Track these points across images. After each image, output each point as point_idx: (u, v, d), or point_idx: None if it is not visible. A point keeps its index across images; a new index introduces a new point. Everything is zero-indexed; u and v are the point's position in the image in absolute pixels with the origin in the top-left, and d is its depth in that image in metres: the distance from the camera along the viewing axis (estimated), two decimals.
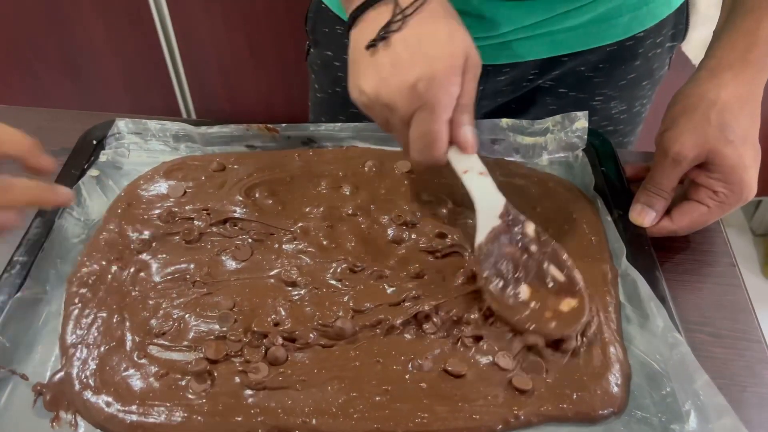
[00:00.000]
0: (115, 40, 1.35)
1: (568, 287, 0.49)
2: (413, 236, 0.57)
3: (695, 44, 0.78)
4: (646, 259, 0.53)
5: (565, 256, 0.51)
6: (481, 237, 0.51)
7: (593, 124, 0.65)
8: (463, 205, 0.59)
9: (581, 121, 0.63)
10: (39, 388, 0.46)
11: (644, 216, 0.56)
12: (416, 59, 0.46)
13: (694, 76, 0.55)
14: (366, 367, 0.48)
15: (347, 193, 0.61)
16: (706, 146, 0.52)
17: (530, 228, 0.51)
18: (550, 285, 0.49)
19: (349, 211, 0.59)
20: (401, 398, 0.46)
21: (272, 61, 1.35)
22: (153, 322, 0.50)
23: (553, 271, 0.50)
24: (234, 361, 0.48)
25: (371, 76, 0.48)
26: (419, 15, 0.47)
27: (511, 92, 0.75)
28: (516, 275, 0.50)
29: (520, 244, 0.51)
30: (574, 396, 0.46)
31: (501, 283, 0.49)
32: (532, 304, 0.49)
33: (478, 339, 0.49)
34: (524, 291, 0.49)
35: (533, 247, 0.51)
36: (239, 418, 0.45)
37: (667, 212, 0.56)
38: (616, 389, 0.46)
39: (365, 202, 0.60)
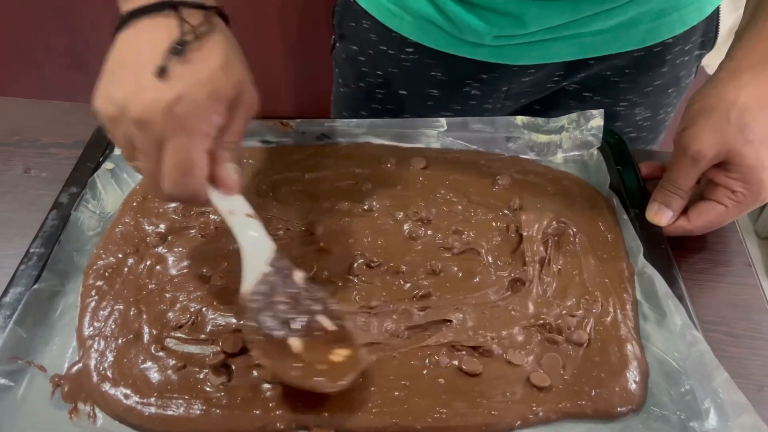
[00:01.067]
0: None
1: (339, 336, 0.46)
2: (429, 233, 0.57)
3: (711, 53, 0.77)
4: (662, 257, 0.53)
5: (335, 305, 0.48)
6: (247, 284, 0.46)
7: (617, 130, 0.65)
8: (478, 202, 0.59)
9: (597, 119, 0.63)
10: (57, 379, 0.46)
11: (661, 215, 0.56)
12: (182, 78, 0.42)
13: (714, 77, 0.55)
14: (383, 362, 0.48)
15: (363, 189, 0.60)
16: (726, 146, 0.52)
17: (299, 276, 0.47)
18: (318, 334, 0.45)
19: (365, 207, 0.59)
20: (419, 393, 0.46)
21: (296, 55, 1.34)
22: (170, 315, 0.50)
23: (323, 320, 0.46)
24: (251, 355, 0.48)
25: (128, 87, 0.42)
26: (204, 38, 0.44)
27: (534, 93, 0.75)
28: (285, 326, 0.45)
29: (288, 292, 0.46)
30: (593, 393, 0.46)
31: (270, 334, 0.44)
32: (304, 356, 0.44)
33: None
34: (295, 343, 0.44)
35: (303, 295, 0.46)
36: (257, 412, 0.45)
37: (684, 212, 0.56)
38: (634, 386, 0.46)
39: (381, 198, 0.60)
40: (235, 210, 0.47)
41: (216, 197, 0.46)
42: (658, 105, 0.75)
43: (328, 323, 0.46)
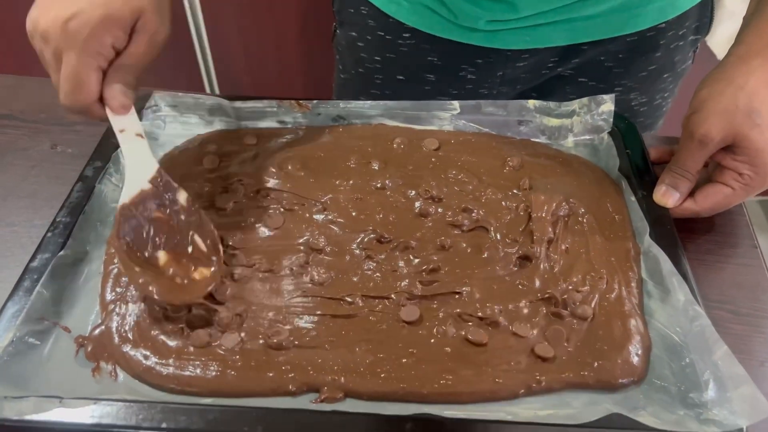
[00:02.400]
0: None
1: (207, 256, 0.51)
2: (439, 210, 0.58)
3: (720, 39, 0.78)
4: (668, 237, 0.54)
5: (212, 227, 0.52)
6: (125, 198, 0.51)
7: None
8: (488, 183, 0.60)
9: (608, 104, 0.64)
10: (81, 340, 0.49)
11: (668, 197, 0.57)
12: (82, 0, 0.46)
13: (723, 62, 0.56)
14: (392, 331, 0.49)
15: (376, 168, 0.62)
16: (733, 130, 0.53)
17: (182, 196, 0.52)
18: (189, 251, 0.50)
19: (378, 185, 0.60)
20: (426, 361, 0.47)
21: (297, 43, 1.37)
22: None
23: (198, 240, 0.51)
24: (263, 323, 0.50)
25: (40, 4, 0.49)
26: None
27: (530, 80, 0.76)
28: (156, 240, 0.50)
29: (168, 211, 0.51)
30: (595, 364, 0.47)
31: (136, 246, 0.50)
32: (169, 270, 0.49)
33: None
34: (162, 256, 0.50)
35: (182, 215, 0.51)
36: (270, 374, 0.47)
37: (691, 194, 0.57)
38: (636, 359, 0.47)
39: (393, 177, 0.61)
40: (125, 128, 0.52)
41: (110, 114, 0.51)
42: (654, 90, 0.76)
43: (200, 243, 0.51)
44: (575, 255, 0.54)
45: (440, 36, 0.71)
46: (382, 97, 0.79)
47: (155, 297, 0.49)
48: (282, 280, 0.53)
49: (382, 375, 0.47)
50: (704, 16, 0.73)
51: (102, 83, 0.49)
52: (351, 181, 0.61)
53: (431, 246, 0.55)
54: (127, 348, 0.48)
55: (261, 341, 0.49)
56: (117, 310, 0.50)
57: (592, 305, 0.51)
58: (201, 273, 0.50)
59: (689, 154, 0.56)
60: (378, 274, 0.53)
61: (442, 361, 0.47)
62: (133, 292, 0.51)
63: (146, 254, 0.50)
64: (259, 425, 0.43)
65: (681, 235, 0.55)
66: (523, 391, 0.46)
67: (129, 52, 0.49)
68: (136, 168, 0.52)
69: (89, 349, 0.48)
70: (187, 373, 0.47)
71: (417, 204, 0.59)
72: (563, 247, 0.55)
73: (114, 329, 0.49)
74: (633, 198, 0.59)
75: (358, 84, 0.81)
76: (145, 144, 0.52)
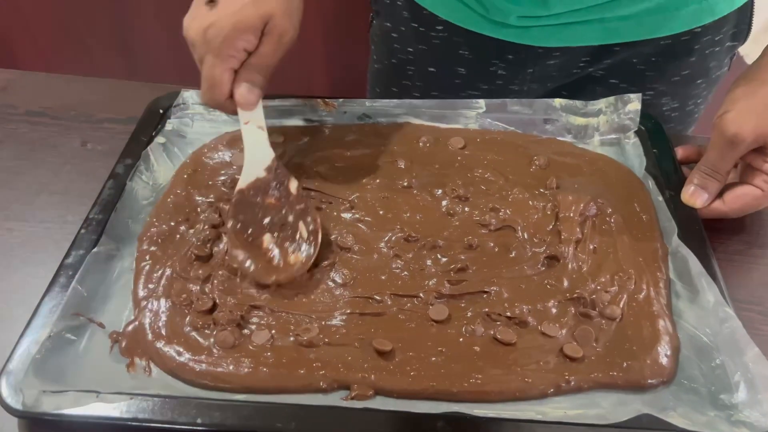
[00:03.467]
0: (165, 14, 1.38)
1: (306, 243, 0.54)
2: (466, 209, 0.59)
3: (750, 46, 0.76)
4: (696, 238, 0.54)
5: (316, 216, 0.56)
6: (242, 184, 0.56)
7: None
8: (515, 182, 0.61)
9: (634, 103, 0.64)
10: (115, 336, 0.50)
11: (697, 197, 0.56)
12: (220, 10, 0.53)
13: (757, 62, 0.56)
14: (421, 330, 0.50)
15: (402, 166, 0.62)
16: (765, 131, 0.53)
17: (293, 185, 0.56)
18: (296, 238, 0.54)
19: (404, 184, 0.61)
20: (456, 360, 0.48)
21: (334, 33, 1.36)
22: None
23: (301, 226, 0.55)
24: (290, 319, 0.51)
25: (191, 15, 0.55)
26: None
27: (561, 78, 0.76)
28: (264, 224, 0.54)
29: (280, 198, 0.56)
30: (624, 365, 0.47)
31: (247, 229, 0.54)
32: (270, 252, 0.53)
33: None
34: (266, 239, 0.54)
35: (291, 203, 0.56)
36: (302, 371, 0.47)
37: (720, 195, 0.57)
38: (665, 360, 0.47)
39: (420, 175, 0.61)
40: (249, 120, 0.57)
41: (238, 108, 0.56)
42: (686, 96, 0.75)
43: (303, 230, 0.55)
44: (603, 255, 0.54)
45: (472, 30, 0.71)
46: (413, 89, 0.79)
47: (248, 274, 0.52)
48: (311, 278, 0.53)
49: (412, 373, 0.47)
50: (742, 22, 0.71)
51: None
52: (378, 180, 0.61)
53: (459, 245, 0.56)
54: (160, 344, 0.49)
55: (291, 338, 0.49)
56: (149, 306, 0.51)
57: (621, 305, 0.51)
58: (296, 258, 0.53)
59: (719, 154, 0.55)
60: (406, 272, 0.54)
61: (471, 360, 0.48)
62: (165, 288, 0.52)
63: (253, 236, 0.54)
64: (292, 422, 0.43)
65: (708, 235, 0.55)
66: (552, 390, 0.46)
67: (258, 52, 0.54)
68: (255, 157, 0.57)
69: (123, 344, 0.49)
70: (220, 369, 0.47)
71: (444, 203, 0.59)
72: (591, 247, 0.55)
73: (147, 325, 0.50)
74: (660, 198, 0.58)
75: (390, 74, 0.81)
76: (264, 135, 0.57)
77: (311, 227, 0.55)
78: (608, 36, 0.69)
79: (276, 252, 0.54)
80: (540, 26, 0.68)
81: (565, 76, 0.75)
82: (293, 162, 0.62)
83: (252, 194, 0.56)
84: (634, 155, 0.63)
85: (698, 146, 0.64)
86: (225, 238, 0.56)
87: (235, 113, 0.57)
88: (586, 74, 0.75)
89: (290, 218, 0.55)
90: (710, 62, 0.72)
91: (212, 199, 0.59)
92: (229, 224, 0.54)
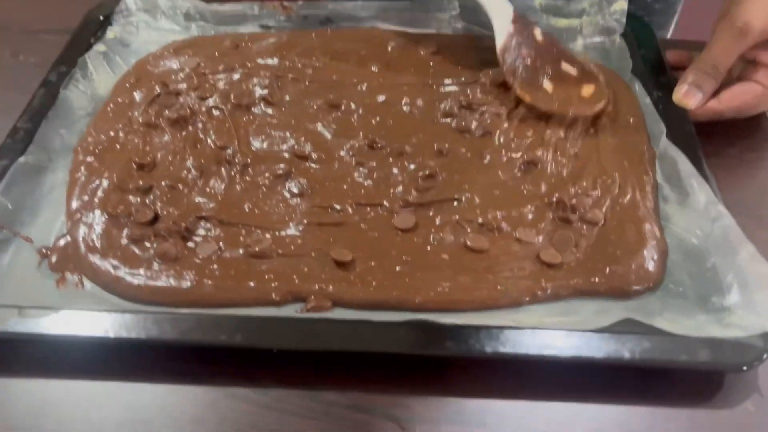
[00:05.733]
0: None
1: (583, 77, 0.54)
2: (442, 118, 0.53)
3: None
4: (686, 139, 0.49)
5: (575, 56, 0.56)
6: (500, 41, 0.55)
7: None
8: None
9: (620, 2, 0.59)
10: (44, 251, 0.45)
11: (690, 96, 0.51)
12: None
13: None
14: (384, 239, 0.45)
15: (375, 70, 0.57)
16: None
17: (538, 32, 0.56)
18: (566, 77, 0.54)
19: (378, 88, 0.55)
20: (422, 269, 0.43)
21: None
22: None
23: (566, 66, 0.54)
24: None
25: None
26: None
27: None
28: (535, 72, 0.54)
29: (532, 46, 0.55)
30: (607, 270, 0.43)
31: (528, 79, 0.54)
32: (557, 95, 0.53)
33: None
34: (547, 84, 0.53)
35: (544, 48, 0.55)
36: (252, 284, 0.43)
37: (714, 94, 0.52)
38: (651, 264, 0.43)
39: (395, 80, 0.56)
40: None
41: None
42: None
43: (569, 68, 0.54)
44: (585, 158, 0.50)
45: None
46: None
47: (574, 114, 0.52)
48: (261, 188, 0.48)
49: (374, 283, 0.42)
50: None
51: None
52: (346, 83, 0.56)
53: (428, 151, 0.51)
54: (94, 258, 0.44)
55: (241, 251, 0.45)
56: (83, 219, 0.46)
57: (603, 210, 0.46)
58: (588, 90, 0.53)
59: (723, 46, 0.50)
60: (369, 181, 0.49)
61: (439, 269, 0.43)
62: (101, 199, 0.47)
63: (536, 83, 0.54)
64: (238, 334, 0.39)
65: (700, 138, 0.50)
66: (527, 299, 0.42)
67: None
68: (499, 13, 0.56)
69: (53, 259, 0.44)
70: (160, 283, 0.43)
71: (417, 105, 0.54)
72: (573, 152, 0.50)
73: (80, 239, 0.45)
74: (648, 101, 0.54)
75: None
76: None
77: (576, 64, 0.54)
78: None
79: (564, 94, 0.53)
80: None
81: None
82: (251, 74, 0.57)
83: (510, 49, 0.55)
84: (620, 59, 0.58)
85: (689, 51, 0.59)
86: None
87: None
88: None
89: (551, 62, 0.54)
90: None
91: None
92: (517, 80, 0.54)
